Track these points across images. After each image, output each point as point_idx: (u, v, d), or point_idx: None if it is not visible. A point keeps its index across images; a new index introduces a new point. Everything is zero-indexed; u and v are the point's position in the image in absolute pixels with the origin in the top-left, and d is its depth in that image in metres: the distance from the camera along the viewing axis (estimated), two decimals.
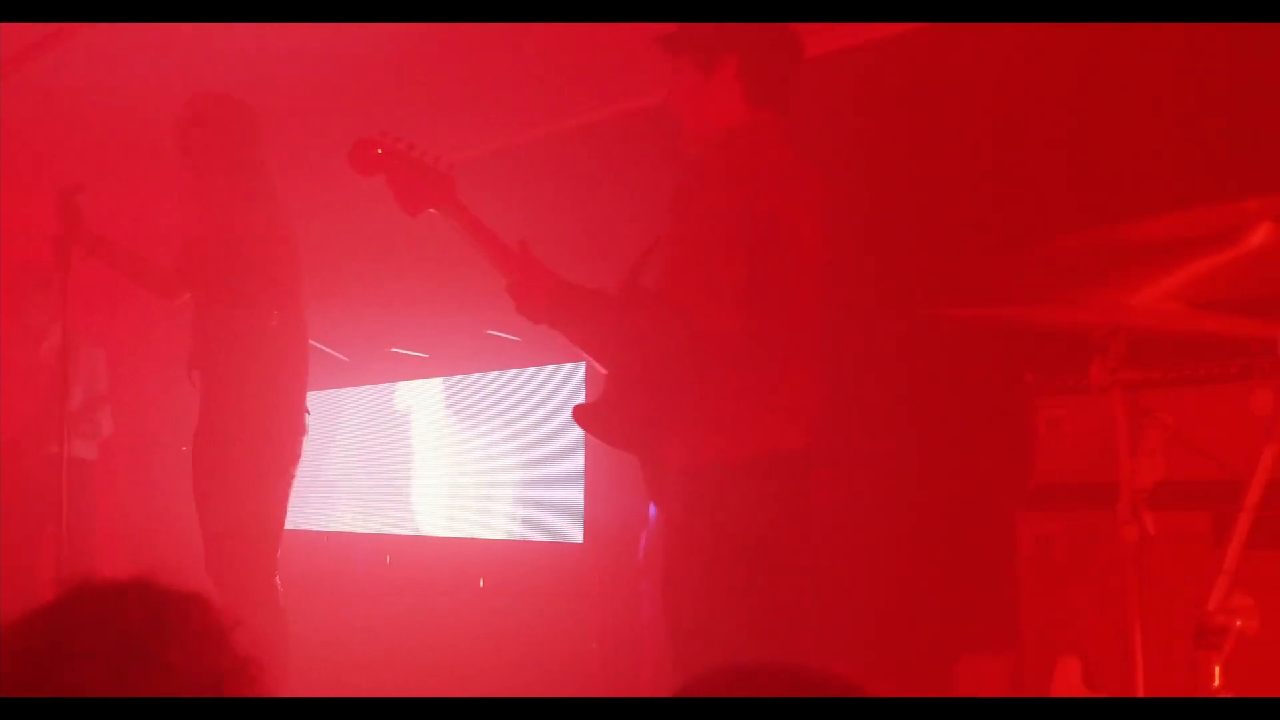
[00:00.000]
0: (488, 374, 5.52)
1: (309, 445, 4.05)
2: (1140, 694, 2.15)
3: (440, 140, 5.44)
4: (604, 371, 2.81)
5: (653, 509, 3.03)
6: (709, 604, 2.60)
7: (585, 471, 4.92)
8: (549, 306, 2.70)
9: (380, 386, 6.01)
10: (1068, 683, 2.62)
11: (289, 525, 4.01)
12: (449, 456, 5.65)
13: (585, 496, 4.90)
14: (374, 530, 5.94)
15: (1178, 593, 2.33)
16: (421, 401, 5.85)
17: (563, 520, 4.95)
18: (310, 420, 4.04)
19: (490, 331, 5.29)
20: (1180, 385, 2.87)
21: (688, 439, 2.65)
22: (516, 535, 5.26)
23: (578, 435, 4.76)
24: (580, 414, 2.74)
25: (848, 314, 3.84)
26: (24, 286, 5.60)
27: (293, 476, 3.95)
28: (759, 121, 2.74)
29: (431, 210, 2.87)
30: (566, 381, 5.03)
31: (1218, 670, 1.92)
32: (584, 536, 4.78)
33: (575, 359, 4.99)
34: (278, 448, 3.89)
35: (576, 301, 2.72)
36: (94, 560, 4.83)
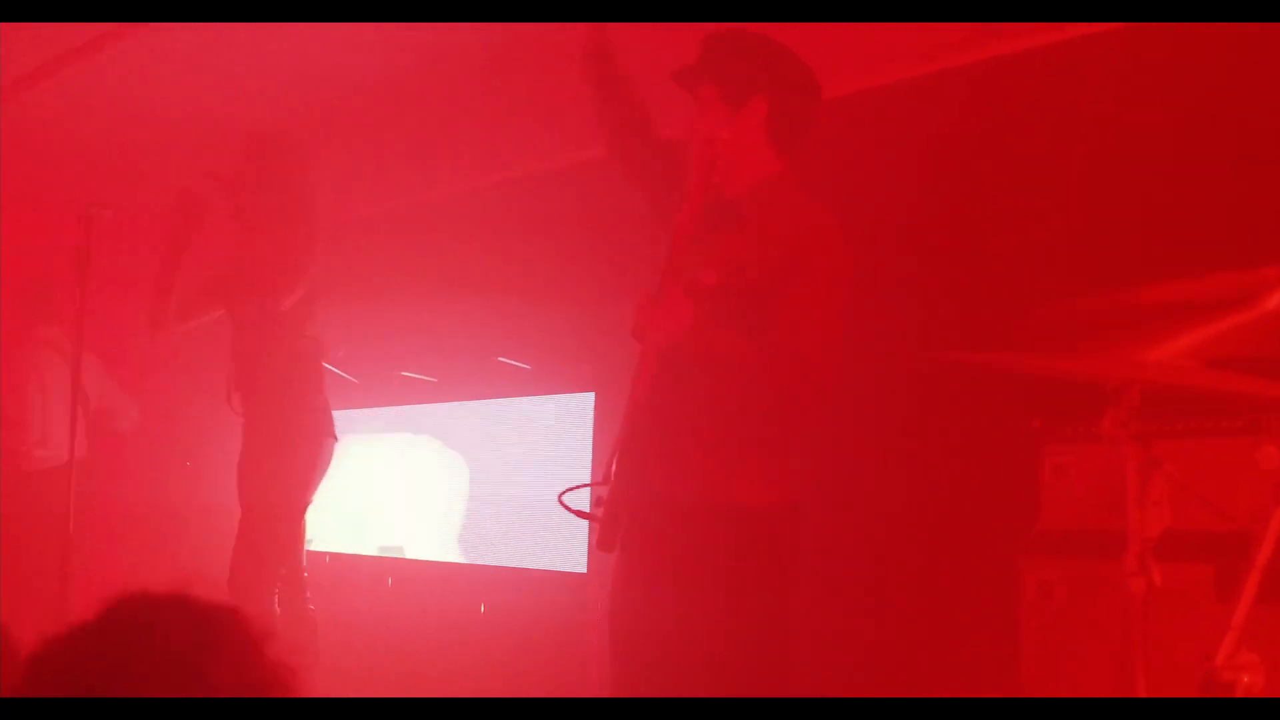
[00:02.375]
0: (496, 400, 5.53)
1: None
2: None
3: (463, 167, 5.50)
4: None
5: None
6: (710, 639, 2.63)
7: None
8: (690, 320, 2.55)
9: (389, 409, 6.03)
10: None
11: None
12: (454, 482, 5.66)
13: (590, 526, 4.90)
14: (373, 553, 5.94)
15: (1177, 644, 2.35)
16: (428, 425, 5.87)
17: (567, 549, 4.96)
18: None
19: (501, 359, 5.32)
20: (1187, 437, 2.87)
21: (734, 479, 2.67)
22: (520, 563, 5.27)
23: (584, 464, 4.78)
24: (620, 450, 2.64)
25: (861, 352, 3.86)
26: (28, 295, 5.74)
27: (310, 500, 4.04)
28: (789, 175, 2.77)
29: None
30: (575, 411, 5.05)
31: None
32: (587, 566, 4.80)
33: (584, 389, 5.01)
34: (311, 467, 4.03)
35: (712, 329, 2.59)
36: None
